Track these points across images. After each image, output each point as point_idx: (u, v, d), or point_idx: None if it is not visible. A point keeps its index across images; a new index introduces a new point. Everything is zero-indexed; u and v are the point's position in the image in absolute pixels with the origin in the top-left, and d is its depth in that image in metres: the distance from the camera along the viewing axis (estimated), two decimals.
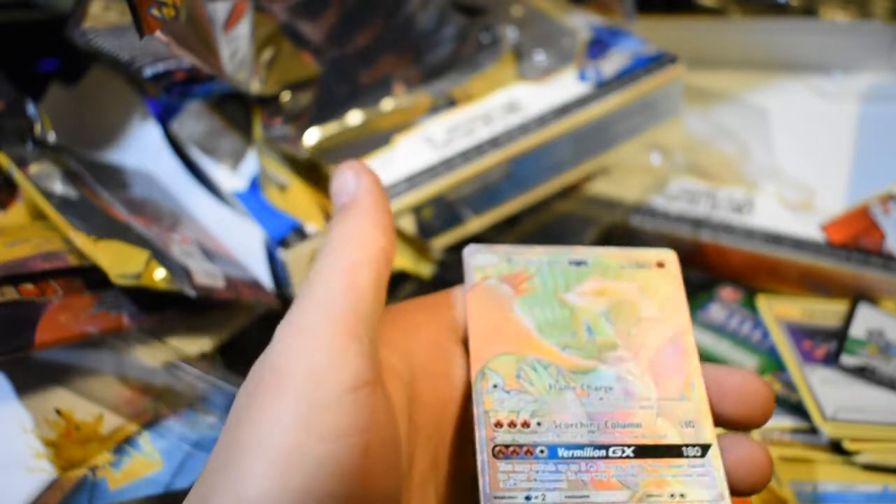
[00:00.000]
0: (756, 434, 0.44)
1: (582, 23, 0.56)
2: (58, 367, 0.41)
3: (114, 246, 0.41)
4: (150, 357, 0.43)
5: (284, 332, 0.26)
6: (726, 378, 0.30)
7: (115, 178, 0.50)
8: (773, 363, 0.47)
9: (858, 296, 0.49)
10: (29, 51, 0.56)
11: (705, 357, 0.47)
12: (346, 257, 0.28)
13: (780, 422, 0.44)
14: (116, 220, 0.44)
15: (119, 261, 0.41)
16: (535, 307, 0.31)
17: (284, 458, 0.23)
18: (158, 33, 0.40)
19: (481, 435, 0.28)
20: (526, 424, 0.29)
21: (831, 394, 0.44)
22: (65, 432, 0.40)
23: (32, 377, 0.41)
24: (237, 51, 0.47)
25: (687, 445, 0.29)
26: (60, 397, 0.41)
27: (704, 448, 0.29)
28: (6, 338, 0.37)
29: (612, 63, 0.53)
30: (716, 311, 0.50)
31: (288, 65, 0.50)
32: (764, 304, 0.49)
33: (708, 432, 0.29)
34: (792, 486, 0.41)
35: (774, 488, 0.41)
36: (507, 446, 0.28)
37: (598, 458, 0.28)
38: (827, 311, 0.49)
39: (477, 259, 0.32)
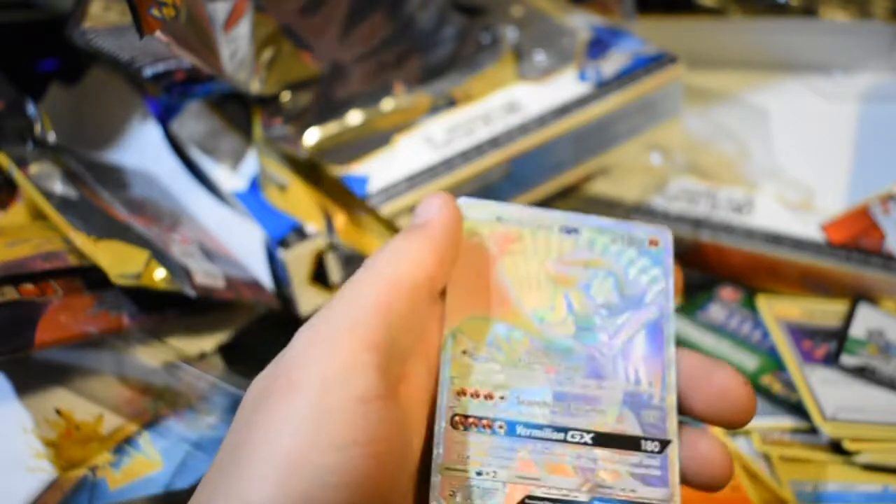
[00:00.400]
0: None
1: (582, 23, 0.56)
2: (58, 367, 0.41)
3: (114, 246, 0.41)
4: (150, 357, 0.43)
5: (304, 338, 0.26)
6: (707, 374, 0.29)
7: (115, 178, 0.50)
8: (773, 363, 0.47)
9: (858, 296, 0.49)
10: (29, 51, 0.56)
11: None
12: (389, 273, 0.27)
13: (780, 422, 0.44)
14: (116, 220, 0.44)
15: (119, 261, 0.41)
16: (519, 272, 0.31)
17: (289, 465, 0.23)
18: (158, 33, 0.40)
19: (442, 402, 0.28)
20: (489, 396, 0.28)
21: (831, 394, 0.44)
22: (65, 432, 0.40)
23: (32, 377, 0.41)
24: (237, 51, 0.47)
25: (646, 439, 0.28)
26: (60, 397, 0.41)
27: (664, 444, 0.28)
28: (6, 338, 0.37)
29: (612, 63, 0.53)
30: (716, 311, 0.50)
31: (288, 65, 0.50)
32: (764, 304, 0.49)
33: (670, 427, 0.29)
34: (792, 486, 0.41)
35: (774, 488, 0.41)
36: (465, 417, 0.28)
37: (556, 440, 0.28)
38: (827, 311, 0.49)
39: (467, 214, 0.31)
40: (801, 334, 0.47)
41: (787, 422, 0.44)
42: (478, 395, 0.28)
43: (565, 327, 0.30)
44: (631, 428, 0.28)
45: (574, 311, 0.30)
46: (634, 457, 0.28)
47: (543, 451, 0.28)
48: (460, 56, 0.54)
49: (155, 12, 0.40)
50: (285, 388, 0.25)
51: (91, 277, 0.41)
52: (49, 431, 0.40)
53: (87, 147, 0.54)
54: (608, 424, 0.28)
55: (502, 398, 0.28)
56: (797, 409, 0.44)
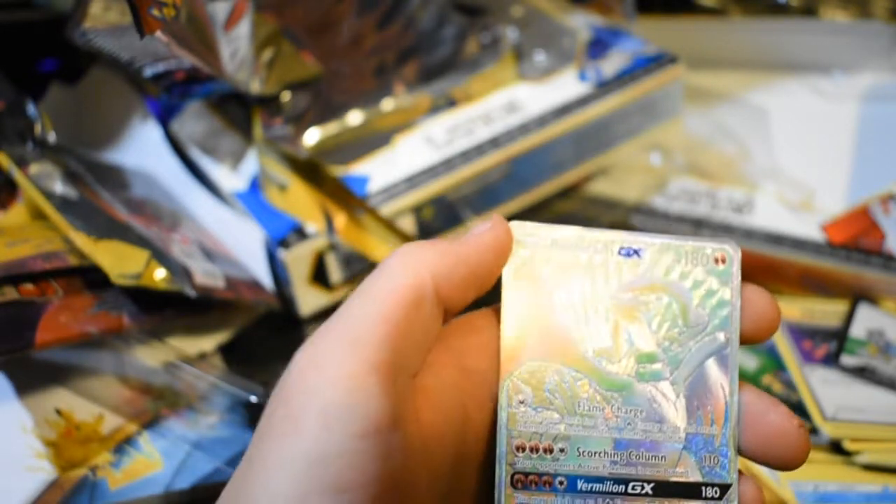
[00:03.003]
0: None
1: (582, 23, 0.56)
2: (58, 367, 0.41)
3: (114, 246, 0.41)
4: (150, 357, 0.43)
5: (302, 360, 0.24)
6: (763, 411, 0.28)
7: (115, 178, 0.50)
8: (773, 363, 0.47)
9: (858, 296, 0.49)
10: (29, 51, 0.56)
11: None
12: (391, 284, 0.25)
13: None
14: (116, 220, 0.44)
15: (119, 261, 0.41)
16: (576, 304, 0.29)
17: None
18: (159, 33, 0.40)
19: (501, 458, 0.27)
20: (549, 450, 0.27)
21: (831, 394, 0.44)
22: (65, 432, 0.40)
23: (33, 377, 0.41)
24: (237, 51, 0.47)
25: (706, 485, 0.28)
26: (61, 397, 0.41)
27: (724, 488, 0.28)
28: (6, 338, 0.37)
29: (613, 63, 0.53)
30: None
31: (288, 65, 0.50)
32: None
33: (730, 470, 0.28)
34: (792, 486, 0.41)
35: (774, 488, 0.41)
36: (526, 475, 0.27)
37: (617, 493, 0.27)
38: (827, 311, 0.49)
39: (520, 239, 0.29)
40: (802, 334, 0.47)
41: None
42: (537, 450, 0.27)
43: (626, 366, 0.28)
44: (691, 473, 0.28)
45: (635, 347, 0.28)
46: None
47: None
48: (460, 56, 0.54)
49: (155, 12, 0.40)
50: (283, 424, 0.24)
51: (91, 277, 0.41)
52: (49, 431, 0.40)
53: (87, 147, 0.54)
54: (668, 472, 0.28)
55: (562, 451, 0.27)
56: (797, 409, 0.44)
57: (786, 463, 0.28)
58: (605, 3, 0.58)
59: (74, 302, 0.40)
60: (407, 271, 0.26)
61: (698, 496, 0.27)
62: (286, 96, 0.50)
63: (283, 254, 0.46)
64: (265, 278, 0.48)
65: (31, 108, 0.47)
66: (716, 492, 0.28)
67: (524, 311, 0.28)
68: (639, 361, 0.28)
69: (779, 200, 0.53)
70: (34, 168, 0.44)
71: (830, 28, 0.60)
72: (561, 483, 0.27)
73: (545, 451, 0.27)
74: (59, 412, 0.40)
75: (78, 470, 0.39)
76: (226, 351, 0.46)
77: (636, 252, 0.29)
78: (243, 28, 0.48)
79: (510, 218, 0.29)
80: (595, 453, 0.28)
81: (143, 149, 0.54)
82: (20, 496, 0.37)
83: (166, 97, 0.52)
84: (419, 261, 0.26)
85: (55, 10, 0.55)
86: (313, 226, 0.47)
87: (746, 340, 0.29)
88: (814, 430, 0.43)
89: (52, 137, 0.47)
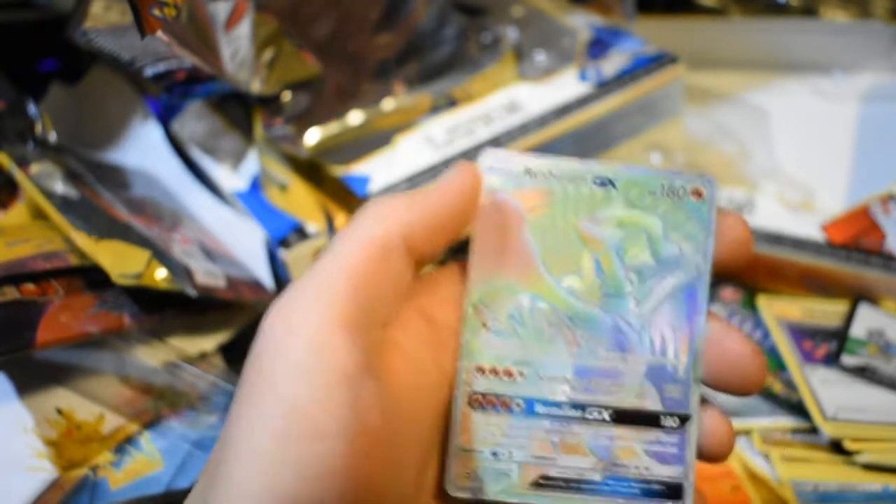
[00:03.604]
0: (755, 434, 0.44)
1: (582, 23, 0.56)
2: (59, 367, 0.41)
3: (115, 246, 0.41)
4: (150, 357, 0.43)
5: (271, 319, 0.25)
6: (719, 338, 0.28)
7: (115, 177, 0.50)
8: (773, 363, 0.47)
9: (858, 296, 0.49)
10: (29, 51, 0.56)
11: None
12: (358, 235, 0.26)
13: (781, 422, 0.44)
14: (117, 219, 0.44)
15: (120, 260, 0.41)
16: (546, 233, 0.29)
17: (268, 464, 0.23)
18: (159, 33, 0.40)
19: (461, 380, 0.27)
20: (508, 373, 0.28)
21: (831, 394, 0.44)
22: (66, 432, 0.40)
23: (33, 377, 0.41)
24: (238, 51, 0.47)
25: (665, 414, 0.27)
26: (61, 397, 0.41)
27: (683, 419, 0.27)
28: (7, 337, 0.37)
29: (613, 63, 0.53)
30: (716, 312, 0.50)
31: (289, 65, 0.50)
32: (764, 304, 0.49)
33: (692, 402, 0.28)
34: (792, 485, 0.41)
35: (775, 488, 0.41)
36: (484, 396, 0.27)
37: (574, 418, 0.27)
38: (827, 311, 0.49)
39: (492, 168, 0.29)
40: (802, 334, 0.47)
41: (787, 422, 0.44)
42: (497, 373, 0.28)
43: (592, 295, 0.28)
44: (652, 403, 0.28)
45: (603, 276, 0.28)
46: (652, 433, 0.27)
47: (560, 430, 0.27)
48: (461, 56, 0.54)
49: (156, 12, 0.40)
50: (257, 381, 0.24)
51: (92, 277, 0.41)
52: (50, 431, 0.40)
53: (87, 147, 0.54)
54: (629, 400, 0.28)
55: (522, 374, 0.28)
56: (798, 409, 0.44)
57: (743, 388, 0.28)
58: (605, 3, 0.58)
59: (75, 302, 0.40)
60: (373, 224, 0.26)
61: (657, 425, 0.27)
62: (287, 96, 0.50)
63: (283, 253, 0.46)
64: (266, 278, 0.48)
65: (31, 108, 0.47)
66: (675, 421, 0.28)
67: (493, 237, 0.29)
68: (605, 291, 0.28)
69: (779, 200, 0.53)
70: (35, 168, 0.44)
71: (830, 28, 0.60)
72: (518, 405, 0.28)
73: (505, 374, 0.28)
74: (59, 412, 0.40)
75: (78, 469, 0.39)
76: (226, 351, 0.47)
77: (611, 182, 0.29)
78: (244, 28, 0.48)
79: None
80: (554, 378, 0.28)
81: (143, 149, 0.54)
82: (21, 496, 0.37)
83: (167, 97, 0.52)
84: (386, 213, 0.26)
85: (55, 10, 0.55)
86: (314, 226, 0.47)
87: (720, 268, 0.28)
88: (814, 430, 0.43)
89: (52, 137, 0.47)
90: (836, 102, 0.60)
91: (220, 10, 0.46)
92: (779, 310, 0.49)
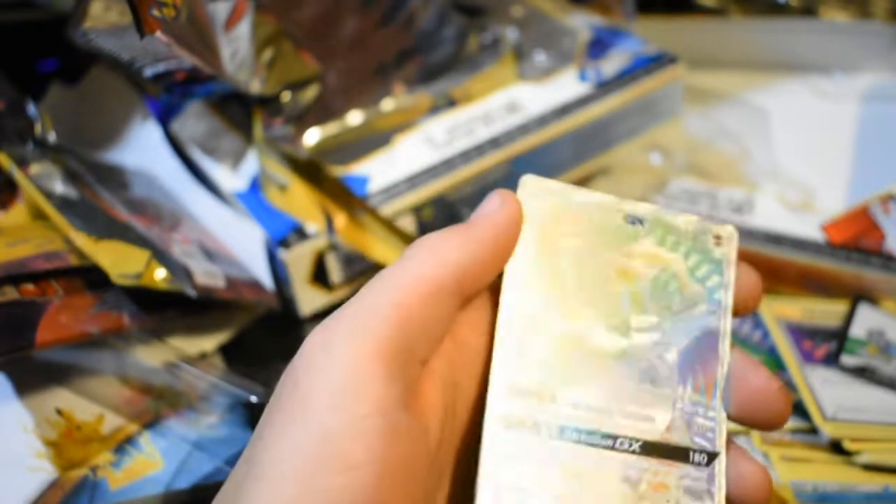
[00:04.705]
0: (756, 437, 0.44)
1: (582, 23, 0.56)
2: (58, 367, 0.41)
3: (114, 246, 0.41)
4: (150, 357, 0.43)
5: (313, 342, 0.25)
6: (744, 373, 0.28)
7: (115, 178, 0.50)
8: (773, 363, 0.47)
9: (858, 296, 0.49)
10: (29, 51, 0.56)
11: None
12: (409, 273, 0.26)
13: None
14: (117, 220, 0.44)
15: (120, 261, 0.41)
16: (580, 262, 0.29)
17: (295, 491, 0.22)
18: (159, 33, 0.40)
19: (492, 400, 0.27)
20: (541, 397, 0.27)
21: (831, 394, 0.44)
22: (65, 432, 0.40)
23: (33, 377, 0.41)
24: (238, 51, 0.47)
25: (694, 451, 0.28)
26: (61, 397, 0.41)
27: (711, 456, 0.28)
28: (7, 338, 0.37)
29: (613, 63, 0.53)
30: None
31: (288, 65, 0.50)
32: (764, 304, 0.49)
33: (720, 440, 0.28)
34: (792, 486, 0.41)
35: (774, 488, 0.41)
36: (515, 418, 0.27)
37: (604, 447, 0.27)
38: (827, 311, 0.49)
39: (531, 195, 0.30)
40: (802, 334, 0.47)
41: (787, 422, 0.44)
42: (528, 395, 0.27)
43: (623, 330, 0.29)
44: (681, 438, 0.28)
45: (632, 313, 0.29)
46: (681, 469, 0.27)
47: (591, 458, 0.27)
48: (460, 56, 0.54)
49: (155, 12, 0.40)
50: (291, 402, 0.24)
51: (92, 277, 0.41)
52: (50, 431, 0.40)
53: (87, 147, 0.54)
54: (658, 433, 0.28)
55: (553, 399, 0.27)
56: (797, 409, 0.44)
57: (767, 424, 0.28)
58: (605, 3, 0.58)
59: (75, 302, 0.40)
60: (427, 262, 0.26)
61: (686, 460, 0.27)
62: (286, 96, 0.50)
63: (283, 254, 0.46)
64: (265, 278, 0.48)
65: (31, 108, 0.47)
66: (703, 458, 0.28)
67: (528, 262, 0.29)
68: (635, 326, 0.29)
69: (779, 200, 0.53)
70: (34, 168, 0.44)
71: (830, 28, 0.60)
72: (548, 431, 0.27)
73: (537, 397, 0.27)
74: (59, 412, 0.40)
75: (78, 470, 0.39)
76: (226, 351, 0.47)
77: (640, 222, 0.30)
78: (244, 28, 0.48)
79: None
80: (586, 406, 0.28)
81: (143, 149, 0.54)
82: (20, 496, 0.37)
83: (167, 97, 0.52)
84: (440, 251, 0.27)
85: (55, 10, 0.55)
86: (313, 226, 0.47)
87: (735, 311, 0.30)
88: (814, 430, 0.43)
89: (52, 137, 0.47)
90: (836, 102, 0.60)
91: (220, 10, 0.46)
92: (779, 310, 0.49)
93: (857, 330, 0.47)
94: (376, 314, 0.25)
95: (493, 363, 0.28)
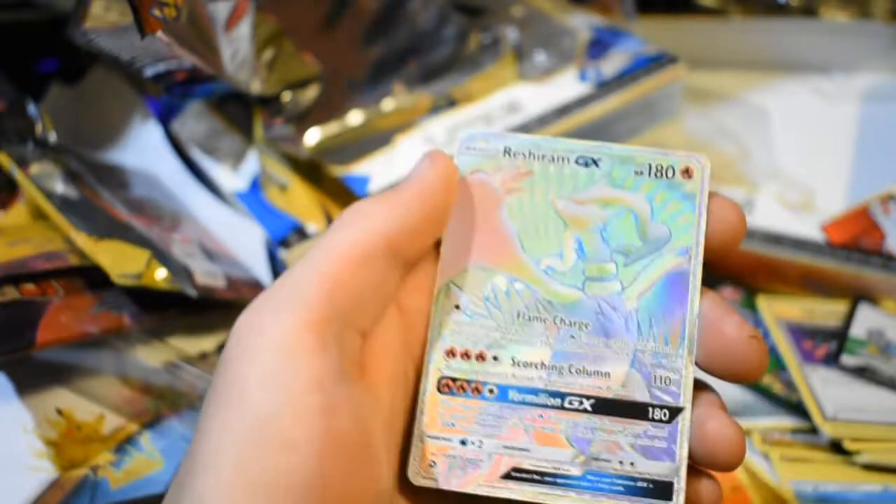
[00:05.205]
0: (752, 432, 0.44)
1: (582, 23, 0.56)
2: (59, 367, 0.41)
3: (115, 246, 0.41)
4: (150, 357, 0.43)
5: (242, 324, 0.24)
6: (718, 320, 0.26)
7: (115, 178, 0.50)
8: (773, 363, 0.47)
9: (858, 296, 0.49)
10: (29, 51, 0.56)
11: None
12: (338, 241, 0.25)
13: (781, 422, 0.44)
14: (117, 220, 0.44)
15: (120, 261, 0.41)
16: (525, 213, 0.27)
17: (236, 478, 0.22)
18: (160, 33, 0.40)
19: (429, 363, 0.26)
20: (481, 357, 0.26)
21: (831, 394, 0.44)
22: (66, 432, 0.40)
23: (33, 377, 0.41)
24: (238, 51, 0.47)
25: (653, 406, 0.25)
26: (61, 397, 0.41)
27: (674, 412, 0.25)
28: (7, 338, 0.37)
29: (613, 63, 0.53)
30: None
31: (289, 65, 0.50)
32: (764, 304, 0.49)
33: (684, 393, 0.25)
34: (792, 485, 0.41)
35: (775, 488, 0.41)
36: (454, 380, 0.26)
37: (552, 407, 0.26)
38: (827, 311, 0.49)
39: (469, 148, 0.28)
40: (802, 334, 0.47)
41: (787, 422, 0.44)
42: (468, 356, 0.26)
43: (574, 277, 0.26)
44: (639, 393, 0.26)
45: (586, 258, 0.27)
46: (639, 426, 0.25)
47: (537, 419, 0.25)
48: (460, 56, 0.54)
49: (156, 12, 0.40)
50: (226, 391, 0.23)
51: (92, 277, 0.41)
52: (50, 431, 0.40)
53: (87, 147, 0.54)
54: (613, 389, 0.26)
55: (496, 359, 0.26)
56: (797, 409, 0.44)
57: (742, 375, 0.26)
58: (605, 3, 0.58)
59: (75, 302, 0.40)
60: (354, 228, 0.25)
61: (644, 417, 0.25)
62: (287, 96, 0.50)
63: (283, 254, 0.46)
64: (266, 278, 0.48)
65: (31, 108, 0.47)
66: (664, 414, 0.25)
67: (468, 218, 0.27)
68: (589, 274, 0.27)
69: (779, 200, 0.53)
70: (35, 168, 0.44)
71: (830, 28, 0.60)
72: (491, 391, 0.26)
73: (477, 357, 0.26)
74: (59, 412, 0.40)
75: (79, 470, 0.39)
76: None
77: (594, 162, 0.28)
78: (244, 28, 0.48)
79: None
80: (531, 364, 0.26)
81: (143, 149, 0.54)
82: (21, 496, 0.37)
83: (167, 97, 0.52)
84: (366, 218, 0.25)
85: (55, 10, 0.55)
86: (313, 226, 0.47)
87: (710, 253, 0.27)
88: (814, 430, 0.43)
89: (52, 137, 0.47)
90: (836, 102, 0.60)
91: (220, 11, 0.46)
92: (779, 310, 0.49)
93: (857, 330, 0.47)
94: (304, 287, 0.24)
95: (431, 325, 0.26)
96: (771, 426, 0.44)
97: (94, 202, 0.45)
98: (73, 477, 0.38)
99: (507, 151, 0.28)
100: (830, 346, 0.46)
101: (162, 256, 0.42)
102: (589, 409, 0.26)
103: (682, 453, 0.25)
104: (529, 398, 0.26)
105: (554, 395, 0.26)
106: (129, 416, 0.41)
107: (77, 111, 0.55)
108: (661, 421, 0.25)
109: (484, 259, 0.27)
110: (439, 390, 0.26)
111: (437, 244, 0.28)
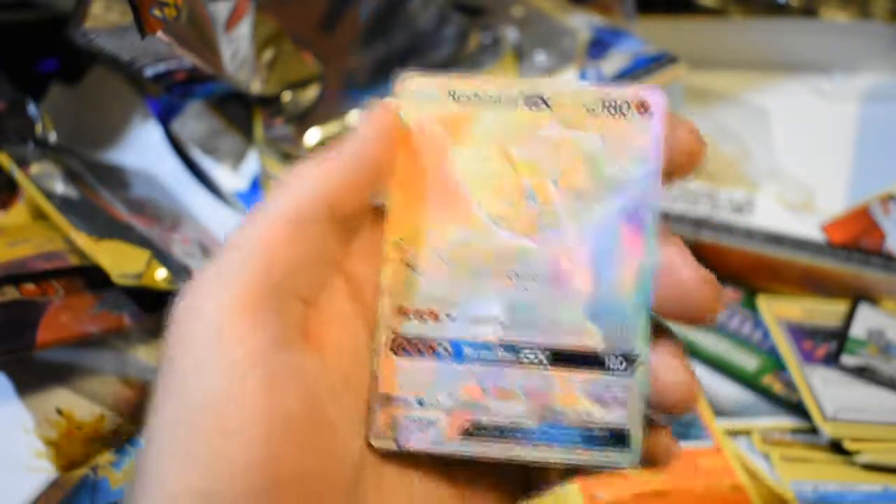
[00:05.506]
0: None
1: (582, 23, 0.56)
2: (59, 367, 0.41)
3: (115, 246, 0.41)
4: (150, 356, 0.43)
5: (179, 309, 0.23)
6: (672, 265, 0.25)
7: (115, 178, 0.50)
8: (773, 363, 0.47)
9: (858, 296, 0.49)
10: (29, 51, 0.56)
11: (707, 360, 0.47)
12: (273, 208, 0.23)
13: (781, 422, 0.44)
14: (117, 220, 0.44)
15: (120, 260, 0.41)
16: (473, 161, 0.26)
17: (184, 464, 0.21)
18: (160, 34, 0.40)
19: (382, 323, 0.25)
20: (434, 315, 0.25)
21: (831, 394, 0.44)
22: (66, 432, 0.40)
23: (33, 377, 0.41)
24: (238, 51, 0.47)
25: (610, 355, 0.25)
26: (61, 397, 0.41)
27: (630, 360, 0.25)
28: (7, 338, 0.37)
29: (613, 63, 0.53)
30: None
31: (289, 65, 0.50)
32: (764, 304, 0.49)
33: (640, 341, 0.25)
34: (792, 485, 0.41)
35: (775, 488, 0.41)
36: (408, 340, 0.25)
37: (507, 361, 0.25)
38: (827, 311, 0.49)
39: (412, 94, 0.26)
40: (802, 334, 0.47)
41: (787, 422, 0.44)
42: (421, 315, 0.25)
43: (526, 226, 0.26)
44: (593, 342, 0.25)
45: (538, 205, 0.26)
46: (594, 376, 0.25)
47: (492, 375, 0.25)
48: (460, 56, 0.54)
49: (156, 12, 0.40)
50: (167, 379, 0.22)
51: (92, 277, 0.41)
52: (50, 431, 0.40)
53: (87, 147, 0.54)
54: (568, 339, 0.25)
55: (449, 316, 0.25)
56: (797, 409, 0.44)
57: (690, 318, 0.25)
58: (605, 3, 0.58)
59: (75, 302, 0.40)
60: (290, 193, 0.24)
61: (600, 367, 0.25)
62: (287, 96, 0.50)
63: None
64: None
65: (31, 108, 0.47)
66: (621, 363, 0.25)
67: (414, 169, 0.26)
68: (541, 221, 0.26)
69: (779, 200, 0.53)
70: (35, 168, 0.44)
71: (830, 28, 0.60)
72: (446, 349, 0.25)
73: (430, 315, 0.25)
74: (60, 412, 0.40)
75: (79, 469, 0.39)
76: None
77: (543, 102, 0.26)
78: (244, 28, 0.48)
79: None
80: (485, 318, 0.25)
81: (143, 149, 0.54)
82: (21, 496, 0.37)
83: (167, 97, 0.52)
84: (305, 178, 0.24)
85: (55, 10, 0.55)
86: None
87: (667, 176, 0.26)
88: (814, 430, 0.43)
89: (52, 137, 0.47)
90: (836, 102, 0.60)
91: (221, 11, 0.46)
92: (779, 310, 0.49)
93: (857, 330, 0.47)
94: (238, 261, 0.23)
95: (381, 285, 0.26)
96: (771, 426, 0.44)
97: (94, 202, 0.45)
98: (74, 477, 0.38)
99: (451, 95, 0.26)
100: (830, 346, 0.46)
101: (162, 256, 0.42)
102: (545, 361, 0.25)
103: (639, 402, 0.25)
104: (484, 354, 0.25)
105: (509, 349, 0.25)
106: (129, 416, 0.41)
107: (77, 111, 0.55)
108: (617, 370, 0.25)
109: (432, 212, 0.26)
110: (393, 352, 0.25)
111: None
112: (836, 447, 0.42)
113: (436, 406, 0.25)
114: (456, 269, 0.26)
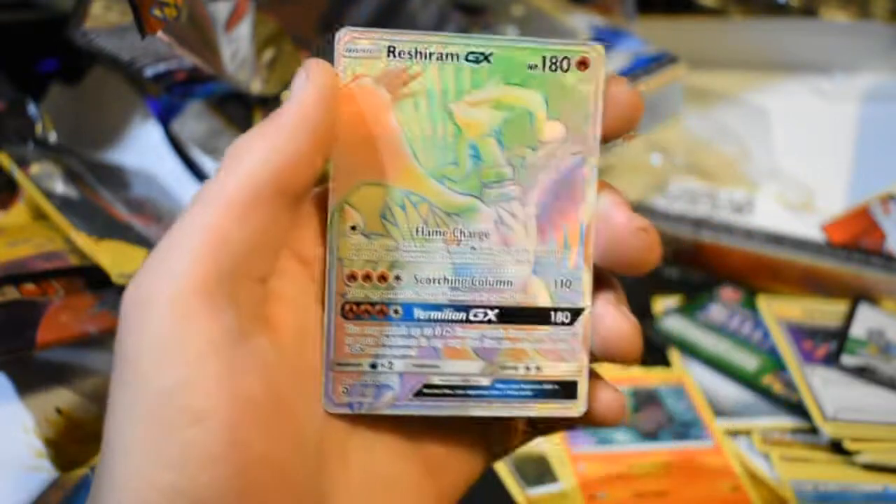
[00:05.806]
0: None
1: (582, 23, 0.56)
2: (59, 367, 0.41)
3: (115, 245, 0.41)
4: None
5: (128, 300, 0.22)
6: (610, 217, 0.25)
7: (115, 177, 0.50)
8: (773, 363, 0.47)
9: (859, 296, 0.49)
10: (29, 51, 0.56)
11: (707, 360, 0.47)
12: (217, 188, 0.23)
13: (781, 422, 0.44)
14: (117, 219, 0.44)
15: (120, 260, 0.41)
16: (415, 120, 0.26)
17: (144, 458, 0.21)
18: (160, 33, 0.40)
19: (331, 290, 0.25)
20: (383, 278, 0.26)
21: (832, 394, 0.44)
22: (66, 432, 0.40)
23: (34, 377, 0.41)
24: (238, 51, 0.47)
25: (556, 310, 0.26)
26: (61, 397, 0.41)
27: (575, 313, 0.26)
28: (7, 338, 0.37)
29: (613, 63, 0.53)
30: (716, 312, 0.50)
31: (289, 65, 0.50)
32: (764, 304, 0.49)
33: (585, 294, 0.26)
34: (792, 485, 0.41)
35: (775, 488, 0.41)
36: (358, 304, 0.25)
37: (457, 321, 0.26)
38: (827, 311, 0.49)
39: (350, 50, 0.26)
40: (802, 334, 0.47)
41: (787, 422, 0.44)
42: (370, 278, 0.25)
43: (470, 185, 0.26)
44: (541, 298, 0.26)
45: (481, 164, 0.26)
46: (543, 331, 0.26)
47: (443, 335, 0.26)
48: None
49: (156, 12, 0.40)
50: (122, 373, 0.22)
51: (92, 277, 0.41)
52: (50, 431, 0.40)
53: (87, 147, 0.54)
54: (516, 297, 0.26)
55: (398, 278, 0.26)
56: (797, 409, 0.44)
57: (629, 267, 0.25)
58: (605, 3, 0.58)
59: (75, 301, 0.40)
60: (235, 171, 0.23)
61: (548, 322, 0.26)
62: (287, 96, 0.50)
63: None
64: None
65: (31, 108, 0.47)
66: (566, 317, 0.26)
67: (356, 130, 0.26)
68: (485, 180, 0.26)
69: (779, 201, 0.53)
70: (35, 168, 0.44)
71: (830, 28, 0.60)
72: (396, 312, 0.26)
73: (379, 279, 0.26)
74: (59, 412, 0.40)
75: (79, 469, 0.39)
76: None
77: (485, 57, 0.26)
78: (244, 28, 0.48)
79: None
80: (434, 280, 0.26)
81: (143, 149, 0.54)
82: (21, 496, 0.37)
83: (167, 97, 0.52)
84: (248, 154, 0.23)
85: (55, 10, 0.55)
86: None
87: (607, 138, 0.26)
88: (814, 430, 0.43)
89: (52, 137, 0.47)
90: (836, 102, 0.60)
91: (221, 11, 0.46)
92: (779, 310, 0.49)
93: (857, 330, 0.47)
94: (188, 247, 0.22)
95: (328, 250, 0.25)
96: (771, 426, 0.44)
97: (94, 202, 0.45)
98: (73, 477, 0.38)
99: (391, 51, 0.26)
100: (830, 346, 0.46)
101: None
102: (494, 319, 0.26)
103: (584, 353, 0.26)
104: (435, 315, 0.26)
105: (458, 308, 0.26)
106: None
107: (77, 111, 0.55)
108: (563, 324, 0.26)
109: (376, 173, 0.26)
110: (344, 316, 0.25)
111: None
112: (837, 447, 0.42)
113: (388, 369, 0.25)
114: (403, 230, 0.26)
